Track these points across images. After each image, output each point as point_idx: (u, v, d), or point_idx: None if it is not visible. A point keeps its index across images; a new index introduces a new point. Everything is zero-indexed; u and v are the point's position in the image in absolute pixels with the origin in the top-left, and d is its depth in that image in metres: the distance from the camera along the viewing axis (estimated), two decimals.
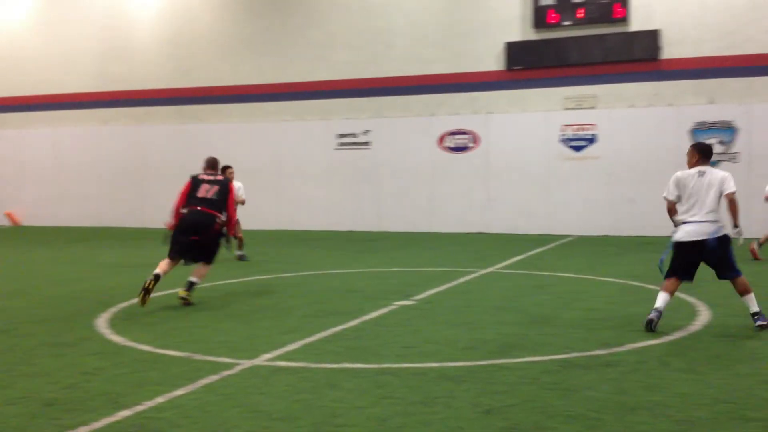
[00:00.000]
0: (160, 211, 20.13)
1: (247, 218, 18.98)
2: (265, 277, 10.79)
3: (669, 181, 7.06)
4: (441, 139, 17.96)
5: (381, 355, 6.13)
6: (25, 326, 7.56)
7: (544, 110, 17.17)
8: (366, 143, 18.61)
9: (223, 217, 8.86)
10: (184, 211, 8.72)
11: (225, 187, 8.95)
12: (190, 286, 8.61)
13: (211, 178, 9.01)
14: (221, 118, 20.04)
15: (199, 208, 8.70)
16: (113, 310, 8.36)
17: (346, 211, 18.69)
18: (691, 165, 7.03)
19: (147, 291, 8.17)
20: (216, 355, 6.19)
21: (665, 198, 7.06)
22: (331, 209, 18.80)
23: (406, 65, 18.31)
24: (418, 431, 4.41)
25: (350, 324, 7.35)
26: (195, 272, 8.75)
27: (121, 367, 5.95)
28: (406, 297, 8.77)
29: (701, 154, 7.03)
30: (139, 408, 4.91)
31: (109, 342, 6.83)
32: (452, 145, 17.93)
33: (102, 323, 7.64)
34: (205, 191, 8.82)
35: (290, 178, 19.15)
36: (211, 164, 9.28)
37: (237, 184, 12.01)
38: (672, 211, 7.03)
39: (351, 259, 12.93)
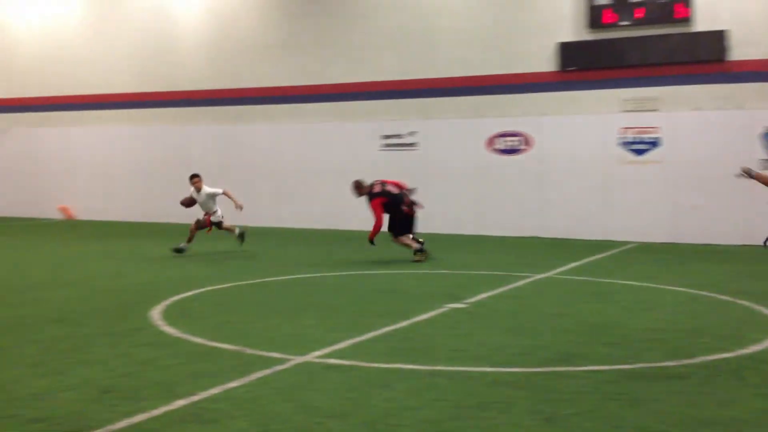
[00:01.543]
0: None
1: (290, 216, 19.11)
2: (311, 275, 10.75)
3: None
4: (490, 141, 17.75)
5: (432, 357, 6.01)
6: (80, 316, 7.64)
7: (600, 112, 16.79)
8: (412, 144, 18.48)
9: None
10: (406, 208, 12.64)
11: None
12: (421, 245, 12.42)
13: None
14: (263, 120, 20.07)
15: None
16: (165, 302, 8.40)
17: None
18: None
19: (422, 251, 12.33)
20: (267, 350, 6.17)
21: None
22: None
23: (453, 66, 18.09)
24: None
25: (400, 325, 7.24)
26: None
27: (175, 357, 5.97)
28: (457, 300, 8.59)
29: None
30: (194, 398, 4.92)
31: (163, 333, 6.87)
32: (502, 147, 17.71)
33: (155, 315, 7.69)
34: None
35: (333, 179, 19.08)
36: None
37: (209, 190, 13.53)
38: None
39: (395, 260, 12.78)
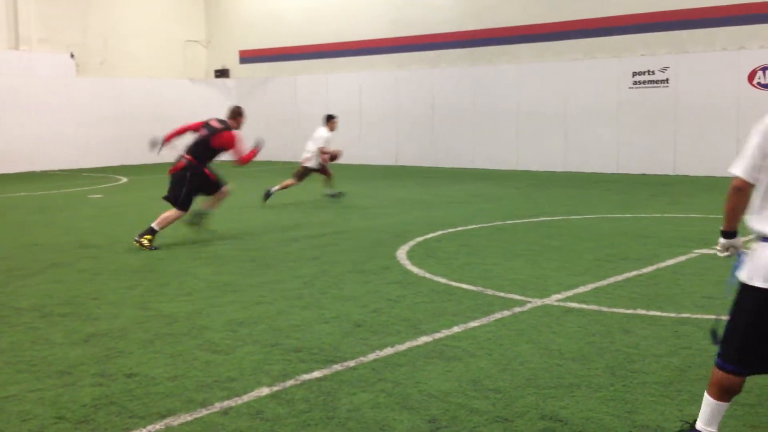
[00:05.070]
0: (478, 153, 20.92)
1: (533, 159, 18.91)
2: (552, 218, 10.67)
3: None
4: (752, 75, 16.24)
5: (679, 305, 5.82)
6: (333, 254, 8.24)
7: None
8: (664, 81, 17.41)
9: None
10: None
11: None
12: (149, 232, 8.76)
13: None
14: (510, 60, 19.91)
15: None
16: (411, 243, 8.80)
17: (638, 154, 17.79)
18: None
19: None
20: (507, 292, 6.30)
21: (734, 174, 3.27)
22: (622, 151, 18.01)
23: None
24: None
25: (644, 270, 7.06)
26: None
27: (420, 296, 6.29)
28: (708, 245, 8.13)
29: None
30: (438, 335, 5.17)
31: (409, 272, 7.23)
32: (766, 82, 16.14)
33: (401, 255, 8.09)
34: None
35: (579, 120, 18.60)
36: (229, 113, 9.36)
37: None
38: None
39: (643, 203, 12.29)
